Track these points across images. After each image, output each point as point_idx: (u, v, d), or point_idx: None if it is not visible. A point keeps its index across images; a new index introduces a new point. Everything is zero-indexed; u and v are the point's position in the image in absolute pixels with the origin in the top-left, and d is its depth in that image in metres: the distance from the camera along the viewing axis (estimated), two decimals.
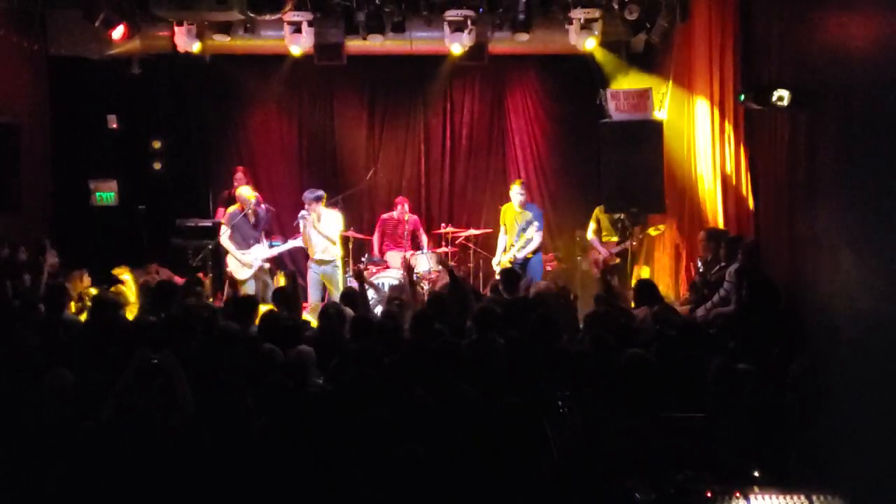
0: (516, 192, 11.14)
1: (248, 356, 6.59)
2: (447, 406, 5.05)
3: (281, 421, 4.97)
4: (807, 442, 4.91)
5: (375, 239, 12.09)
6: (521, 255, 10.94)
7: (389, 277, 11.03)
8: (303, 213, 10.62)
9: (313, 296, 10.70)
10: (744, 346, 6.54)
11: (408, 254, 11.39)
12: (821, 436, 4.78)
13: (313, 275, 10.82)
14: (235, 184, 12.06)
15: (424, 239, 12.09)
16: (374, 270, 11.34)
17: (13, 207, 10.26)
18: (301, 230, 10.71)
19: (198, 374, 5.65)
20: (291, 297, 8.15)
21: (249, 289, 10.53)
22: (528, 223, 10.95)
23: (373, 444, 4.52)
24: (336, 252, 10.85)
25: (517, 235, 11.03)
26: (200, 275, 10.51)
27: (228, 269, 10.88)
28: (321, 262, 10.76)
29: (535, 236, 10.94)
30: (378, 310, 9.21)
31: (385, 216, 12.19)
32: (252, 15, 10.21)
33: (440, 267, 11.38)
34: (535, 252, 11.04)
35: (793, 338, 6.77)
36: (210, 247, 11.09)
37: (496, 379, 5.76)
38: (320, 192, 10.70)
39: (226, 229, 10.81)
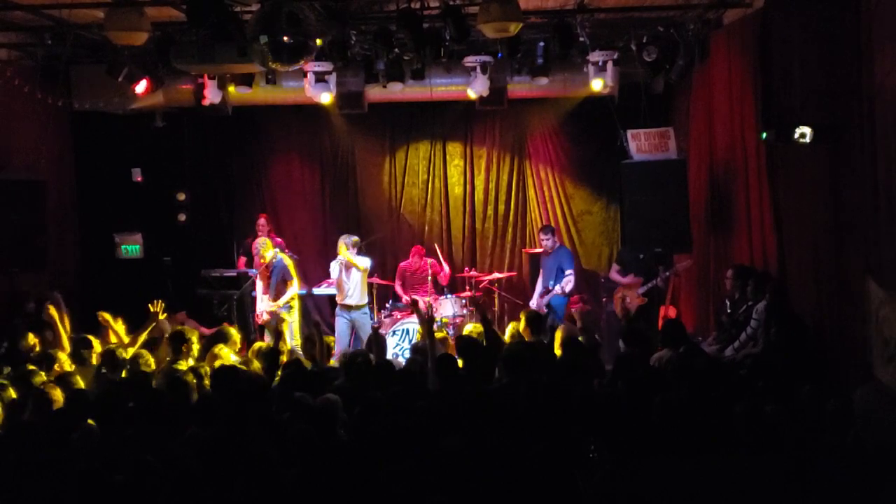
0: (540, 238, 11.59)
1: (275, 406, 6.59)
2: (476, 455, 4.99)
3: (309, 471, 4.94)
4: (847, 483, 4.81)
5: (398, 287, 12.08)
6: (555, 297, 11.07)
7: (413, 323, 10.95)
8: (339, 258, 10.74)
9: (342, 342, 10.64)
10: (773, 386, 6.45)
11: (429, 298, 11.33)
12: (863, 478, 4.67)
13: (343, 321, 10.86)
14: (258, 231, 12.13)
15: (446, 267, 12.05)
16: (399, 316, 11.31)
17: (38, 265, 10.36)
18: (336, 276, 10.78)
19: (226, 426, 5.64)
20: (319, 346, 8.11)
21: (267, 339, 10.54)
22: (559, 265, 11.15)
23: (401, 495, 4.48)
24: (365, 298, 10.91)
25: (552, 278, 11.14)
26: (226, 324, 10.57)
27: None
28: (351, 308, 10.82)
29: (569, 279, 10.98)
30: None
31: (403, 264, 12.21)
32: (273, 66, 10.30)
33: (465, 312, 11.35)
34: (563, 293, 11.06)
35: (824, 376, 6.68)
36: (235, 297, 11.13)
37: (525, 425, 5.70)
38: (354, 237, 10.95)
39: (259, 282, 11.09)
